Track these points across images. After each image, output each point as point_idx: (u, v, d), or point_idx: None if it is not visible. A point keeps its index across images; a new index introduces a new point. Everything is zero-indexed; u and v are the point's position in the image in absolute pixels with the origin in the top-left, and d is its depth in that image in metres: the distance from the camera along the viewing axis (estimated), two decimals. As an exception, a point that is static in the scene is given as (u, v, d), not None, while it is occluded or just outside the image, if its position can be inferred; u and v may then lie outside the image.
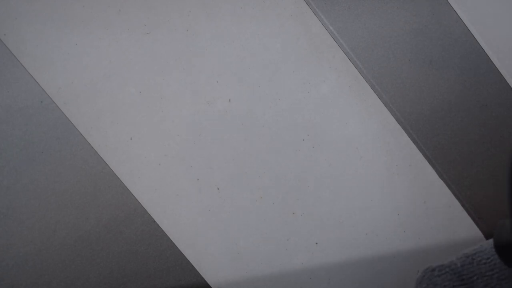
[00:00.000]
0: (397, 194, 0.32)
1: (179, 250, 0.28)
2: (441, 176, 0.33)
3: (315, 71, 0.30)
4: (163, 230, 0.27)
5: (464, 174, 0.33)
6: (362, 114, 0.31)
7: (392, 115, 0.32)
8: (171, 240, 0.27)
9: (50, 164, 0.26)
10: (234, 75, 0.29)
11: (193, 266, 0.28)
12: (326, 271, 0.30)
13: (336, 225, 0.30)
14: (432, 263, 0.24)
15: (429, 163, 0.32)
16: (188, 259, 0.28)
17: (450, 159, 0.33)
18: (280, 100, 0.29)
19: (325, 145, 0.30)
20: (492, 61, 0.34)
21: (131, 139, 0.27)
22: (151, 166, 0.27)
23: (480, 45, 0.34)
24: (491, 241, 0.25)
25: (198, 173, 0.28)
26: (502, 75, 0.34)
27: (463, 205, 0.33)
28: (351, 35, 0.31)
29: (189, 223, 0.28)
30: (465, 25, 0.34)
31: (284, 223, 0.29)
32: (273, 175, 0.29)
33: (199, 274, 0.28)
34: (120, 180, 0.27)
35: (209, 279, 0.28)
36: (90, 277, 0.26)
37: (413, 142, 0.32)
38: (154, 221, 0.27)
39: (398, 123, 0.32)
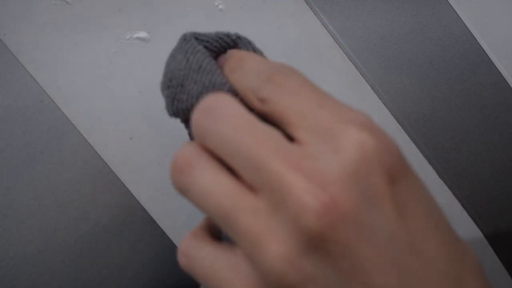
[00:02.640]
0: (397, 194, 0.32)
1: (179, 250, 0.28)
2: (441, 176, 0.33)
3: (315, 71, 0.30)
4: (163, 230, 0.27)
5: (464, 174, 0.33)
6: (362, 114, 0.31)
7: (392, 115, 0.32)
8: (171, 240, 0.27)
9: (50, 164, 0.25)
10: (234, 75, 0.29)
11: (193, 266, 0.28)
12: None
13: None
14: None
15: (429, 163, 0.32)
16: (188, 259, 0.28)
17: (450, 159, 0.33)
18: (280, 100, 0.29)
19: (325, 145, 0.30)
20: (492, 61, 0.34)
21: (131, 139, 0.27)
22: (151, 166, 0.27)
23: (480, 45, 0.34)
24: None
25: (198, 173, 0.28)
26: (502, 75, 0.34)
27: (463, 205, 0.33)
28: (351, 35, 0.31)
29: (189, 223, 0.28)
30: (465, 25, 0.34)
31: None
32: (273, 175, 0.29)
33: (199, 274, 0.28)
34: (120, 180, 0.27)
35: (209, 279, 0.28)
36: (90, 277, 0.26)
37: (413, 142, 0.32)
38: (154, 221, 0.27)
39: (398, 123, 0.32)
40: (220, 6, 0.28)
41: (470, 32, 0.34)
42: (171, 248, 0.27)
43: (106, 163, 0.26)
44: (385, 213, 0.13)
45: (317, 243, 0.13)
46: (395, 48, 0.32)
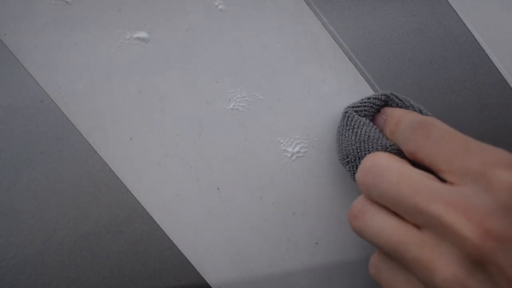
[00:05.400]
0: (397, 194, 0.32)
1: (179, 250, 0.28)
2: (441, 176, 0.33)
3: (315, 71, 0.30)
4: (163, 230, 0.27)
5: (464, 174, 0.33)
6: (362, 114, 0.31)
7: (392, 115, 0.32)
8: (171, 240, 0.27)
9: (50, 164, 0.25)
10: (234, 75, 0.29)
11: (193, 266, 0.28)
12: (326, 271, 0.30)
13: (336, 225, 0.30)
14: None
15: (429, 163, 0.32)
16: (188, 259, 0.28)
17: (450, 159, 0.33)
18: (280, 100, 0.29)
19: (325, 145, 0.30)
20: (492, 61, 0.34)
21: (131, 139, 0.27)
22: (151, 166, 0.27)
23: (480, 45, 0.34)
24: None
25: (198, 173, 0.28)
26: (502, 75, 0.34)
27: (463, 205, 0.33)
28: (351, 35, 0.31)
29: (189, 223, 0.28)
30: (465, 25, 0.34)
31: (284, 223, 0.29)
32: (273, 175, 0.29)
33: (199, 274, 0.28)
34: (120, 180, 0.27)
35: (209, 279, 0.28)
36: (90, 277, 0.26)
37: (413, 142, 0.32)
38: (154, 221, 0.27)
39: (398, 123, 0.32)
40: (220, 6, 0.28)
41: (470, 32, 0.34)
42: (171, 248, 0.27)
43: (106, 163, 0.26)
44: None
45: (478, 266, 0.16)
46: (395, 48, 0.32)
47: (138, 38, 0.27)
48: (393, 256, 0.18)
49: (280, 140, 0.29)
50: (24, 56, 0.25)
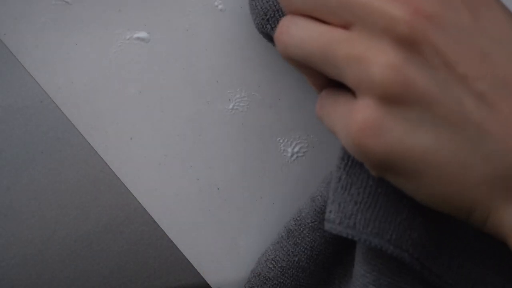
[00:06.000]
0: (397, 194, 0.32)
1: (179, 250, 0.28)
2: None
3: (315, 71, 0.30)
4: (163, 230, 0.27)
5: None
6: (362, 114, 0.31)
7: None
8: (171, 240, 0.27)
9: (50, 164, 0.26)
10: (234, 75, 0.29)
11: (193, 266, 0.28)
12: (326, 271, 0.30)
13: (336, 225, 0.30)
14: None
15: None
16: (188, 259, 0.28)
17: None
18: (280, 100, 0.29)
19: (325, 145, 0.30)
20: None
21: (131, 139, 0.27)
22: (151, 166, 0.27)
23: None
24: None
25: (198, 173, 0.28)
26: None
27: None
28: (351, 35, 0.31)
29: (189, 223, 0.28)
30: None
31: (284, 223, 0.29)
32: (273, 175, 0.29)
33: (199, 274, 0.28)
34: (120, 180, 0.27)
35: (209, 279, 0.28)
36: (90, 277, 0.26)
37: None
38: (154, 221, 0.27)
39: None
40: (220, 6, 0.28)
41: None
42: (171, 248, 0.27)
43: (106, 163, 0.26)
44: (461, 13, 0.16)
45: (413, 50, 0.15)
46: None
47: (138, 38, 0.27)
48: (325, 64, 0.17)
49: (280, 140, 0.29)
50: (24, 56, 0.25)
